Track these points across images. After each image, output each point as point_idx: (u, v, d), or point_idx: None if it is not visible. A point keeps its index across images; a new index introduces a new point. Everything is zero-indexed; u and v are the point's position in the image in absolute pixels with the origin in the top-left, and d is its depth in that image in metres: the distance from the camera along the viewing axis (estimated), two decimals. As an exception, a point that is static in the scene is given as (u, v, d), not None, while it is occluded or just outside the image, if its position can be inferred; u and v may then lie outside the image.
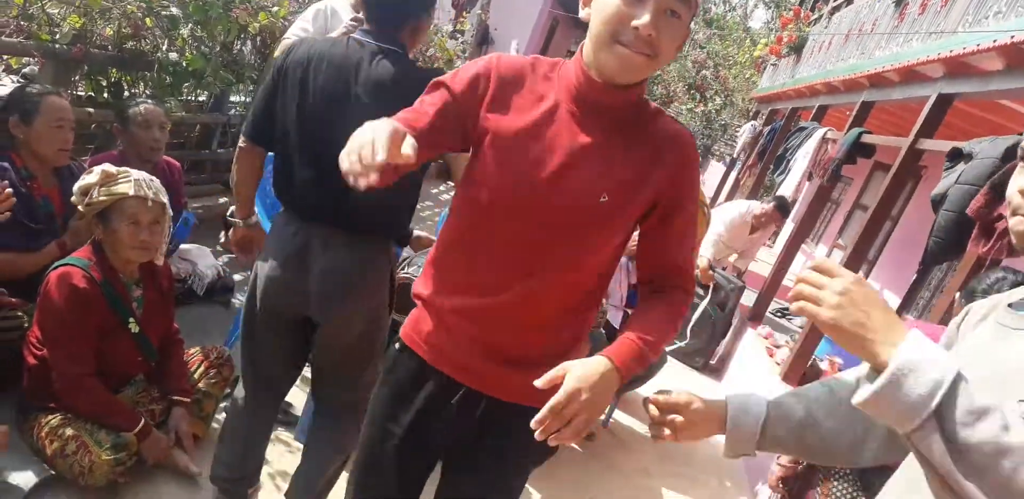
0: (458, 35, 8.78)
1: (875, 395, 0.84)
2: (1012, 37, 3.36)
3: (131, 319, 2.22)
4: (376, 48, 1.89)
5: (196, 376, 2.48)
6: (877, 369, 0.86)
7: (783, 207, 5.51)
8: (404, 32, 1.95)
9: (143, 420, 2.16)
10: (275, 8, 4.08)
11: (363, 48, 1.89)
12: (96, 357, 2.14)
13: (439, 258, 1.42)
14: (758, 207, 5.50)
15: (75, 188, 2.14)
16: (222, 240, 2.26)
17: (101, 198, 2.09)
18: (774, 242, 10.40)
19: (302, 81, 1.88)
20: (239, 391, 2.17)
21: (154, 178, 2.23)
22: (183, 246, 3.44)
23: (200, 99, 4.53)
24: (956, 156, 3.08)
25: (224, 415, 2.65)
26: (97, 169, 2.12)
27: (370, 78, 1.83)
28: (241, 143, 2.06)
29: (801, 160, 6.38)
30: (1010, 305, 1.00)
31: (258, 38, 4.54)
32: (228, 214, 2.24)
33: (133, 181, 2.13)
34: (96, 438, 2.05)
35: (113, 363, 2.18)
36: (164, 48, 3.50)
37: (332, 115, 1.83)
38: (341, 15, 2.95)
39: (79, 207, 2.14)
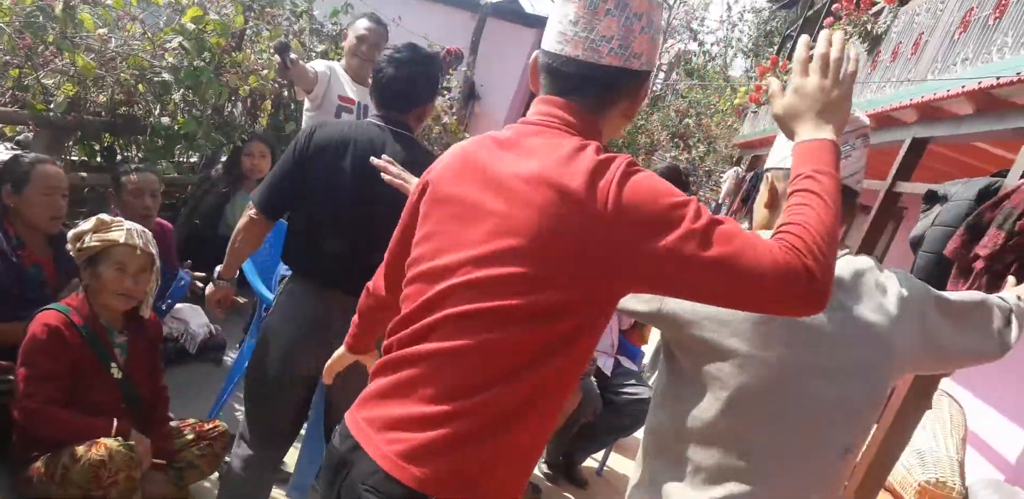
0: (445, 92, 8.97)
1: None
2: (979, 83, 3.48)
3: (113, 364, 2.22)
4: (391, 130, 2.06)
5: (183, 442, 2.36)
6: None
7: None
8: (411, 116, 2.13)
9: (114, 421, 2.11)
10: (264, 71, 4.19)
11: (383, 131, 2.05)
12: (78, 402, 2.12)
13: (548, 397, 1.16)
14: None
15: (69, 235, 2.21)
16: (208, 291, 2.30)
17: (93, 243, 2.17)
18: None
19: (332, 162, 2.00)
20: (239, 452, 2.17)
21: (147, 230, 2.29)
22: (176, 305, 3.44)
23: (192, 160, 4.60)
24: (932, 198, 3.14)
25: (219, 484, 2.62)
26: (93, 217, 2.20)
27: (395, 158, 1.90)
28: (252, 214, 2.12)
29: (785, 205, 6.47)
30: None
31: (248, 100, 4.65)
32: (216, 274, 2.29)
33: (125, 230, 2.20)
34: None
35: (96, 411, 2.14)
36: (156, 113, 3.58)
37: (365, 193, 1.96)
38: (339, 73, 3.56)
39: (71, 253, 2.21)
